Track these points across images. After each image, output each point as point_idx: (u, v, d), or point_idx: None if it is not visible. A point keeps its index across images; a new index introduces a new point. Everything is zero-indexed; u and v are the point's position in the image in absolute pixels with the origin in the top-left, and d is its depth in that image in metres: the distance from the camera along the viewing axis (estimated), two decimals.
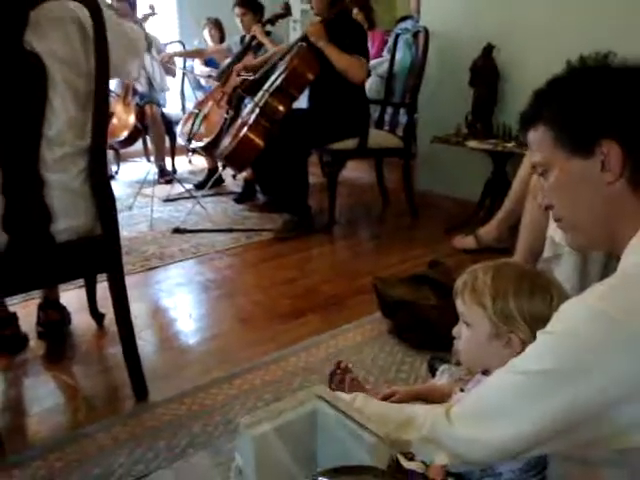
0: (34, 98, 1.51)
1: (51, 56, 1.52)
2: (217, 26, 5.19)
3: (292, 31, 6.14)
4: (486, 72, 3.31)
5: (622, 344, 0.80)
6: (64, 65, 1.56)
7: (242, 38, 4.49)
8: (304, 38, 3.36)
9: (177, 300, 2.62)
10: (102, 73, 1.59)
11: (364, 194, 4.20)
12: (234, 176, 4.50)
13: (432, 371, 1.73)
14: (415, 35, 3.63)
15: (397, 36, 3.88)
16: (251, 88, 3.61)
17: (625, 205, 0.95)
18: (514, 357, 0.94)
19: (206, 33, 5.22)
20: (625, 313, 0.81)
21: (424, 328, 1.99)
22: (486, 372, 1.15)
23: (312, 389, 1.00)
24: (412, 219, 3.61)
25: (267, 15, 4.34)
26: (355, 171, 4.51)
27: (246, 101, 3.86)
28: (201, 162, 4.94)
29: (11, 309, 2.17)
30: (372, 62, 5.07)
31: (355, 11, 4.98)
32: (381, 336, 2.13)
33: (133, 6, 4.60)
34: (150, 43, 4.12)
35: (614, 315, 0.81)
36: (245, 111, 3.58)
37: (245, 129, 3.28)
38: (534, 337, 0.92)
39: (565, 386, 0.83)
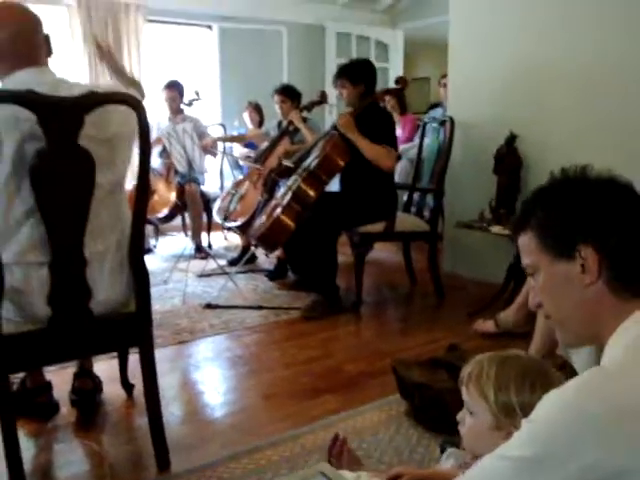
0: (83, 186, 1.68)
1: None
2: (257, 110, 5.52)
3: (328, 114, 6.43)
4: (509, 160, 3.46)
5: (593, 436, 0.86)
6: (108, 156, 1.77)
7: (279, 123, 4.74)
8: (335, 127, 3.56)
9: (205, 374, 2.71)
10: (144, 163, 1.77)
11: (392, 274, 4.30)
12: (267, 254, 4.66)
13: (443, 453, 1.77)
14: (442, 123, 3.81)
15: (425, 124, 4.07)
16: (285, 172, 3.82)
17: (605, 304, 1.03)
18: None
19: (246, 116, 5.54)
20: (598, 406, 0.88)
21: (440, 411, 2.04)
22: None
23: (316, 466, 1.08)
24: (438, 300, 3.68)
25: (304, 101, 4.59)
26: (384, 251, 4.63)
27: (281, 182, 4.06)
28: (236, 239, 5.14)
29: (47, 376, 2.30)
30: (403, 146, 5.30)
31: (388, 97, 5.24)
32: (398, 417, 2.18)
33: (181, 93, 4.95)
34: None
35: (587, 408, 0.88)
36: (279, 193, 3.75)
37: (278, 211, 3.44)
38: None
39: (542, 473, 0.89)
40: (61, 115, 1.56)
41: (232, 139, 5.52)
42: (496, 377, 1.18)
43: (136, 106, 1.66)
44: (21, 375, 2.27)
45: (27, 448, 1.96)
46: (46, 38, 1.83)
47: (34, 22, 1.79)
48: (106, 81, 5.34)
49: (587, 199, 1.05)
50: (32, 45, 1.76)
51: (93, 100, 1.62)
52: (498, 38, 3.81)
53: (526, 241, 1.11)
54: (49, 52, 1.84)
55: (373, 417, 2.19)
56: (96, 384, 2.35)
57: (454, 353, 2.33)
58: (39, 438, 2.10)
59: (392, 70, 7.35)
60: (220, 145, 5.29)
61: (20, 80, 1.69)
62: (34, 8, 1.85)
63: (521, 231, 1.12)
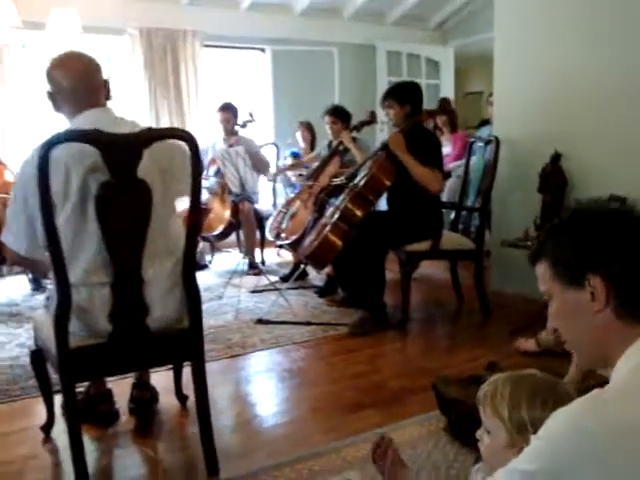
0: (141, 214, 1.85)
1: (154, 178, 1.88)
2: (309, 129, 5.67)
3: (379, 132, 6.52)
4: (554, 179, 3.48)
5: (592, 452, 0.94)
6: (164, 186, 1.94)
7: (330, 143, 4.87)
8: (384, 147, 3.66)
9: (255, 387, 2.85)
10: (196, 191, 1.92)
11: (439, 291, 4.36)
12: (317, 271, 4.77)
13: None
14: (488, 142, 3.86)
15: (472, 143, 4.13)
16: (333, 192, 3.94)
17: (613, 330, 1.10)
18: None
19: (299, 135, 5.70)
20: (596, 424, 0.95)
21: (476, 427, 2.10)
22: None
23: (344, 474, 1.19)
24: (484, 318, 3.72)
25: (355, 121, 4.69)
26: (431, 267, 4.68)
27: (331, 201, 4.19)
28: (288, 255, 5.28)
29: (108, 385, 2.48)
30: (453, 164, 5.36)
31: (438, 115, 5.31)
32: (437, 433, 2.25)
33: (236, 115, 5.15)
34: None
35: (586, 425, 0.95)
36: (328, 212, 3.88)
37: (326, 230, 3.55)
38: None
39: None
40: (122, 150, 1.73)
41: (292, 168, 5.56)
42: (510, 396, 1.26)
43: (189, 140, 1.81)
44: (85, 384, 2.45)
45: (90, 451, 2.13)
46: (105, 83, 2.03)
47: (94, 69, 2.00)
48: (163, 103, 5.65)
49: (596, 230, 1.12)
50: (93, 89, 1.97)
51: (151, 136, 1.79)
52: (542, 55, 3.85)
53: (541, 270, 1.19)
54: (108, 95, 2.04)
55: (413, 432, 2.27)
56: (153, 394, 2.51)
57: (492, 371, 2.38)
58: (101, 443, 2.28)
59: (443, 86, 7.40)
60: (273, 165, 5.47)
61: (86, 120, 1.89)
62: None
63: (537, 261, 1.20)
